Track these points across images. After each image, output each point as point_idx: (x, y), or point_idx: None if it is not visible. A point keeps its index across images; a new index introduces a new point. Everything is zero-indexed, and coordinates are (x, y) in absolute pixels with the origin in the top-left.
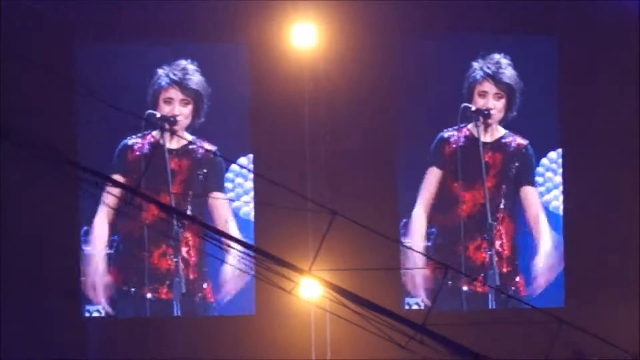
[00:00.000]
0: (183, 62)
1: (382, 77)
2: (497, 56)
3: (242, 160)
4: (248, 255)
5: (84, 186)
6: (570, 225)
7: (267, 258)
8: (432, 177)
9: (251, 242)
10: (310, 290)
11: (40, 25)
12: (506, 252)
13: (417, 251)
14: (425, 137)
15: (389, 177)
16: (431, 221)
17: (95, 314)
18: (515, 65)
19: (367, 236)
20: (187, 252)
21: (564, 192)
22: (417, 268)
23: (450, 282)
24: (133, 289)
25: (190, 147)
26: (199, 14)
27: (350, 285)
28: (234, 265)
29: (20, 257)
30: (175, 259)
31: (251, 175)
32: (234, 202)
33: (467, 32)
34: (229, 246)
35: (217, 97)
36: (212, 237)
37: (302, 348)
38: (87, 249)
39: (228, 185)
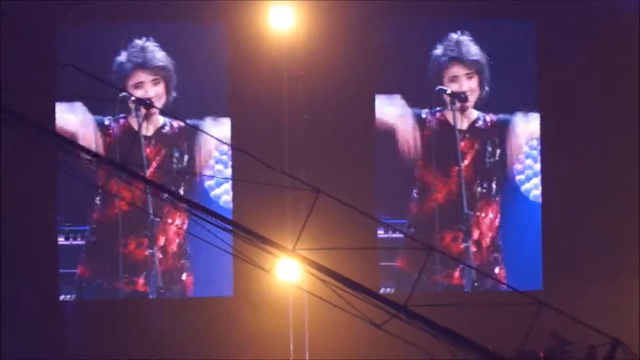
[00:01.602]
0: (139, 42)
1: (358, 57)
2: (454, 36)
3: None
4: (228, 230)
5: (63, 162)
6: (548, 210)
7: (250, 236)
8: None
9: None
10: (289, 271)
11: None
12: (484, 245)
13: (400, 230)
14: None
15: (367, 156)
16: (402, 211)
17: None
18: (476, 41)
19: (346, 216)
20: (165, 243)
21: (542, 177)
22: (404, 248)
23: (424, 278)
24: (106, 283)
25: (164, 130)
26: None
27: (328, 266)
28: (212, 244)
29: None
30: (150, 251)
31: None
32: (213, 179)
33: (440, 16)
34: (210, 222)
35: (194, 77)
36: (195, 213)
37: (280, 329)
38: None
39: (208, 172)
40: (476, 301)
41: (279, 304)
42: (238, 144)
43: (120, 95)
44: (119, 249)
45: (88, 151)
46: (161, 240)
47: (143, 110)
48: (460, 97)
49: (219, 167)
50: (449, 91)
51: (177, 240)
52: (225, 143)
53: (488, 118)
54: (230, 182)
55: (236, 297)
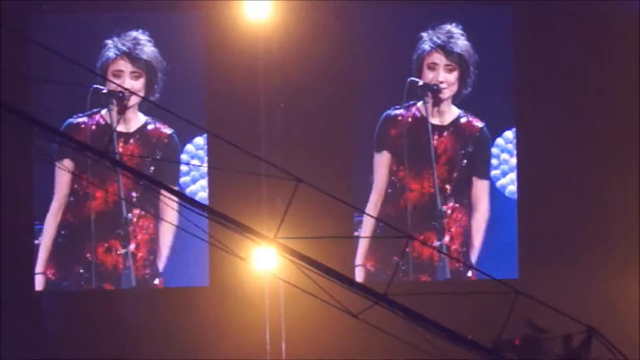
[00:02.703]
0: (134, 33)
1: (335, 47)
2: (448, 26)
3: (198, 140)
4: (209, 218)
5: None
6: (524, 199)
7: (231, 224)
8: (381, 163)
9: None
10: (265, 260)
11: None
12: (456, 247)
13: (379, 219)
14: (377, 110)
15: (344, 146)
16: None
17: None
18: (470, 36)
19: (324, 205)
20: (137, 246)
21: (518, 173)
22: (384, 237)
23: (401, 274)
24: (73, 286)
25: (146, 129)
26: None
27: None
28: (189, 232)
29: None
30: (124, 250)
31: (207, 158)
32: (190, 172)
33: (419, 3)
34: (191, 209)
35: (170, 69)
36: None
37: (256, 319)
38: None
39: (183, 168)
40: (455, 290)
41: (255, 293)
42: (212, 129)
43: (92, 87)
44: (88, 252)
45: (67, 137)
46: (136, 239)
47: (114, 103)
48: (433, 89)
49: (194, 162)
50: (420, 83)
51: (150, 237)
52: (201, 128)
53: (470, 118)
54: (206, 179)
55: (212, 287)
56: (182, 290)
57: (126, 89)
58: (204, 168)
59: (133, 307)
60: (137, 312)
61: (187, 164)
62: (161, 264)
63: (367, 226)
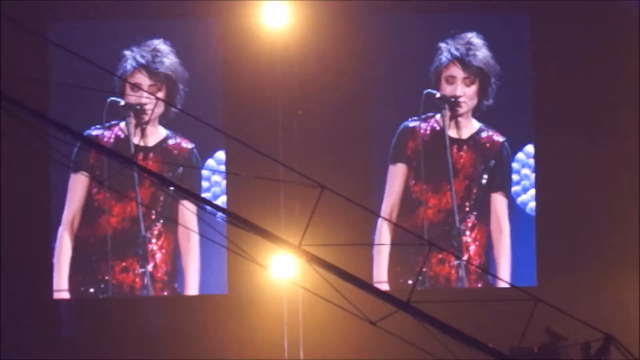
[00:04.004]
0: (154, 42)
1: (353, 56)
2: (469, 35)
3: (219, 155)
4: (233, 224)
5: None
6: (542, 211)
7: (255, 231)
8: (396, 175)
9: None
10: (284, 267)
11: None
12: (474, 268)
13: (401, 227)
14: (395, 120)
15: (362, 155)
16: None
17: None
18: (490, 45)
19: (343, 212)
20: (154, 266)
21: (536, 188)
22: (405, 244)
23: (418, 288)
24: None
25: (166, 144)
26: None
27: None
28: (210, 238)
29: None
30: (142, 269)
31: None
32: (212, 188)
33: (437, 13)
34: (213, 214)
35: (189, 78)
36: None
37: (275, 327)
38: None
39: (204, 183)
40: (476, 298)
41: (274, 301)
42: (232, 142)
43: (109, 99)
44: (104, 271)
45: (90, 142)
46: (154, 259)
47: (132, 116)
48: (450, 101)
49: (216, 177)
50: (438, 95)
51: (169, 257)
52: (221, 131)
53: (490, 132)
54: (225, 194)
55: (230, 295)
56: (200, 298)
57: (158, 98)
58: (225, 182)
59: (150, 314)
60: (154, 319)
61: (209, 169)
62: (180, 284)
63: (384, 236)
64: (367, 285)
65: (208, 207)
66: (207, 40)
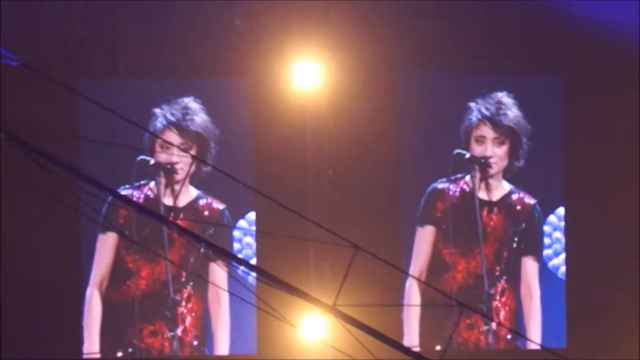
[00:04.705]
0: (185, 100)
1: (383, 116)
2: (499, 95)
3: (250, 215)
4: (269, 284)
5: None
6: (573, 282)
7: (291, 291)
8: (425, 238)
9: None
10: (315, 328)
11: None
12: (505, 333)
13: (433, 287)
14: (424, 182)
15: (391, 217)
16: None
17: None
18: (521, 106)
19: (373, 273)
20: (184, 329)
21: (567, 252)
22: (437, 305)
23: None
24: None
25: (197, 204)
26: (200, 52)
27: None
28: (240, 297)
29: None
30: (171, 333)
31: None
32: (243, 250)
33: (468, 73)
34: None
35: (222, 137)
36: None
37: None
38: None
39: (236, 245)
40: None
41: None
42: (262, 203)
43: (139, 158)
44: (132, 335)
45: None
46: (184, 323)
47: (162, 176)
48: (481, 162)
49: (248, 239)
50: (467, 155)
51: (199, 320)
52: (253, 189)
53: (522, 194)
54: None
55: (260, 355)
56: (228, 359)
57: (194, 157)
58: (255, 240)
59: None
60: None
61: (240, 228)
62: (209, 349)
63: (413, 299)
64: (400, 346)
65: (240, 268)
66: (237, 100)
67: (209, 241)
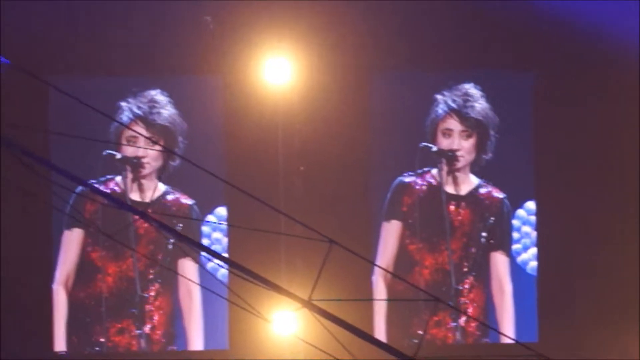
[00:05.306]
0: (152, 93)
1: (352, 112)
2: (466, 86)
3: (220, 210)
4: (243, 277)
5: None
6: (544, 276)
7: (265, 285)
8: (391, 233)
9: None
10: (287, 323)
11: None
12: (472, 330)
13: (409, 282)
14: (393, 176)
15: (363, 211)
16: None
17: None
18: (491, 99)
19: (345, 267)
20: (153, 327)
21: (538, 247)
22: (414, 300)
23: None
24: None
25: (165, 199)
26: (171, 49)
27: None
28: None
29: None
30: (138, 331)
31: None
32: (212, 246)
33: (439, 69)
34: (221, 266)
35: (190, 133)
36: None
37: None
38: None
39: (205, 241)
40: (482, 353)
41: (275, 356)
42: (233, 198)
43: (105, 152)
44: (99, 333)
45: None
46: (152, 320)
47: (129, 171)
48: (447, 155)
49: (217, 234)
50: (434, 149)
51: (167, 318)
52: (224, 181)
53: (490, 188)
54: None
55: (232, 350)
56: (200, 354)
57: (164, 147)
58: (226, 239)
59: None
60: None
61: (211, 222)
62: (180, 347)
63: (380, 295)
64: (375, 341)
65: (208, 264)
66: (209, 96)
67: (187, 236)
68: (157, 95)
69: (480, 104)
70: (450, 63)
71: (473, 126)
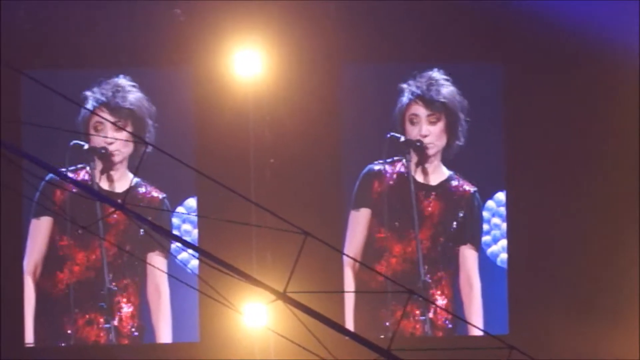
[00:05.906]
0: (115, 80)
1: (324, 105)
2: (430, 73)
3: (190, 202)
4: (217, 268)
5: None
6: (514, 268)
7: (240, 276)
8: (359, 221)
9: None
10: (258, 314)
11: None
12: (441, 323)
13: (381, 274)
14: (363, 165)
15: (335, 202)
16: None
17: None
18: (455, 81)
19: (318, 259)
20: (120, 320)
21: (508, 239)
22: (387, 292)
23: (382, 336)
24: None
25: (136, 191)
26: (140, 41)
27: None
28: (185, 283)
29: None
30: (107, 325)
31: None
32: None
33: (409, 60)
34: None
35: (159, 116)
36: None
37: None
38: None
39: (174, 233)
40: (455, 345)
41: (245, 349)
42: (204, 190)
43: (72, 143)
44: (67, 325)
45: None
46: (120, 313)
47: (97, 161)
48: (415, 145)
49: (187, 226)
50: (402, 138)
51: (136, 311)
52: (196, 170)
53: (461, 181)
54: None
55: (202, 343)
56: (170, 347)
57: (146, 142)
58: (196, 231)
59: None
60: None
61: (183, 214)
62: (148, 340)
63: (348, 286)
64: (349, 332)
65: (177, 257)
66: (178, 88)
67: (162, 227)
68: (121, 80)
69: (446, 88)
70: (419, 55)
71: (439, 109)
